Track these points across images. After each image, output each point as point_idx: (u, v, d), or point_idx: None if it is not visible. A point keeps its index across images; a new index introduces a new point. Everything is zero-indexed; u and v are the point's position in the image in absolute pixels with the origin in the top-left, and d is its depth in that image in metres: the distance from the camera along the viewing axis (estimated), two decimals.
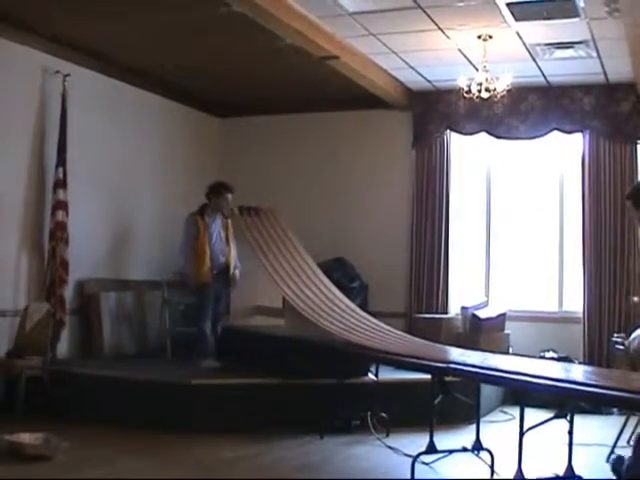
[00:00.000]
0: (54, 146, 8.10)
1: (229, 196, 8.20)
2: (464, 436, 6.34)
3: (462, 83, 8.09)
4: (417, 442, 6.04)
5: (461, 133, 9.90)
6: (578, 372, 5.49)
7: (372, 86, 9.19)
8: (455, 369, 5.46)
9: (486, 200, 10.05)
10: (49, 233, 8.03)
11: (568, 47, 7.99)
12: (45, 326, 7.49)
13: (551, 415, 5.09)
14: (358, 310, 7.85)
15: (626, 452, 5.29)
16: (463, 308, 9.27)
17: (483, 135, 9.78)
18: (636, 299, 5.38)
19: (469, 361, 5.65)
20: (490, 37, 7.72)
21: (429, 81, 9.54)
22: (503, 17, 7.20)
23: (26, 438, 5.88)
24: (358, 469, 5.93)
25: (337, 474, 5.78)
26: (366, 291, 10.02)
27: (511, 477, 4.94)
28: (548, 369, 5.30)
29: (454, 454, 5.87)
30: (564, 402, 5.17)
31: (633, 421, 6.05)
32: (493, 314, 9.14)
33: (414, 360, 5.96)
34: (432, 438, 5.70)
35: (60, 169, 8.05)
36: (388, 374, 7.30)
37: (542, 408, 6.35)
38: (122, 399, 7.09)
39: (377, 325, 7.46)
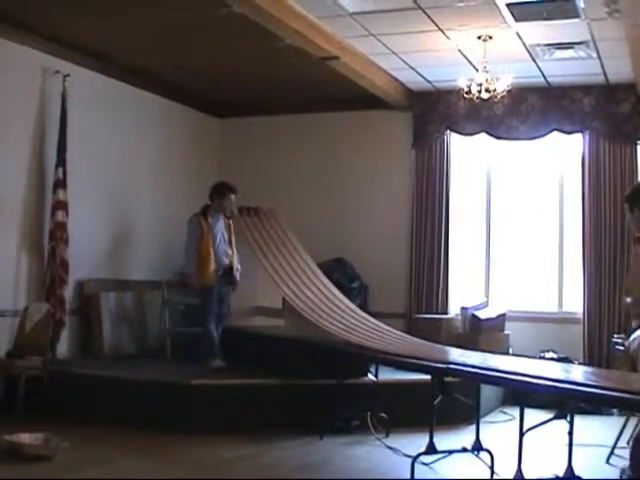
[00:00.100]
0: (54, 146, 8.10)
1: (232, 197, 8.12)
2: (464, 436, 6.34)
3: (462, 84, 8.09)
4: (417, 442, 6.04)
5: (461, 134, 9.90)
6: (578, 373, 5.48)
7: (372, 86, 9.20)
8: (455, 369, 5.46)
9: (486, 201, 10.05)
10: (49, 233, 8.03)
11: (568, 48, 7.99)
12: (45, 326, 7.49)
13: (551, 416, 5.09)
14: (358, 310, 7.86)
15: (626, 453, 5.29)
16: (463, 308, 9.27)
17: (483, 135, 9.78)
18: (629, 300, 5.39)
19: (469, 361, 5.65)
20: (490, 38, 7.72)
21: (429, 82, 9.54)
22: (503, 17, 7.20)
23: (26, 438, 5.88)
24: (358, 469, 5.93)
25: (337, 474, 5.78)
26: (366, 291, 10.02)
27: (511, 478, 4.94)
28: (548, 370, 5.30)
29: (454, 454, 5.87)
30: (564, 403, 5.16)
31: (633, 422, 6.05)
32: (493, 314, 9.14)
33: (414, 360, 5.96)
34: (432, 438, 5.70)
35: (60, 169, 8.05)
36: (388, 374, 7.30)
37: (542, 409, 6.37)
38: (122, 399, 7.09)
39: (377, 325, 7.46)
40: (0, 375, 7.24)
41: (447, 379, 5.66)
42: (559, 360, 8.13)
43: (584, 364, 8.55)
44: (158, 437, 6.54)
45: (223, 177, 8.79)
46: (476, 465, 5.76)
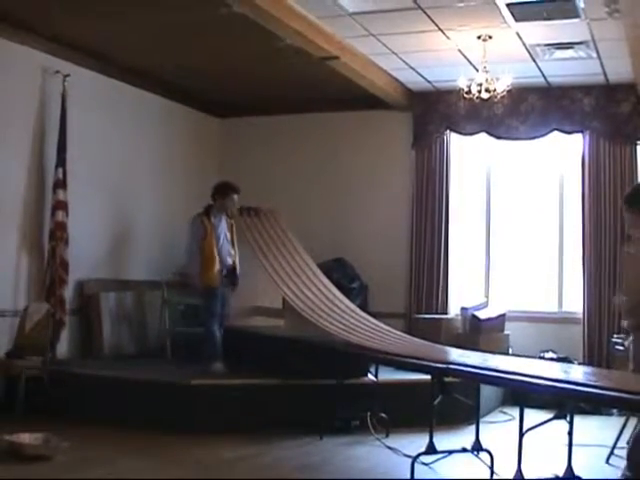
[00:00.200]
0: (54, 146, 8.10)
1: (235, 197, 8.02)
2: (464, 437, 6.35)
3: (462, 84, 8.09)
4: (417, 442, 6.04)
5: (461, 133, 9.90)
6: (578, 373, 5.49)
7: (372, 86, 9.20)
8: (455, 370, 5.46)
9: (486, 201, 10.06)
10: (49, 233, 8.03)
11: (568, 48, 7.99)
12: (45, 326, 7.49)
13: (551, 416, 5.09)
14: (358, 310, 7.86)
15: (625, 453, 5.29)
16: (463, 309, 9.27)
17: (483, 135, 9.78)
18: (617, 300, 5.41)
19: (469, 362, 5.65)
20: (490, 37, 7.72)
21: (429, 82, 9.54)
22: (503, 17, 7.20)
23: (26, 438, 5.88)
24: (358, 469, 5.93)
25: (337, 474, 5.78)
26: (366, 291, 10.02)
27: (511, 478, 4.94)
28: (548, 370, 5.30)
29: (454, 455, 5.87)
30: (564, 403, 5.17)
31: (633, 422, 6.05)
32: (493, 315, 9.14)
33: (414, 361, 5.96)
34: (432, 439, 5.71)
35: (60, 169, 8.05)
36: (388, 375, 7.30)
37: (542, 409, 6.37)
38: (122, 399, 7.09)
39: (377, 325, 7.46)
40: (0, 375, 7.24)
41: (447, 379, 5.66)
42: (559, 360, 8.13)
43: (584, 364, 8.56)
44: (158, 437, 6.54)
45: (223, 177, 8.76)
46: (476, 465, 5.76)
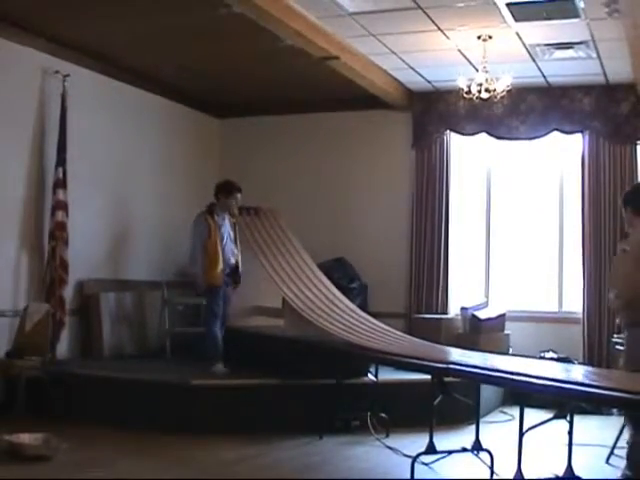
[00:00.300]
0: (54, 146, 8.10)
1: (238, 196, 8.02)
2: (464, 436, 6.34)
3: (462, 84, 8.09)
4: (417, 442, 6.04)
5: (461, 134, 9.90)
6: (578, 372, 5.48)
7: (372, 86, 9.20)
8: (455, 370, 5.45)
9: (486, 201, 10.05)
10: (49, 233, 8.03)
11: (568, 48, 7.99)
12: (45, 326, 7.49)
13: (551, 415, 5.10)
14: (358, 310, 7.86)
15: (625, 453, 5.30)
16: (463, 308, 9.27)
17: (483, 136, 9.78)
18: (612, 295, 5.42)
19: (469, 362, 5.65)
20: (490, 37, 7.72)
21: (429, 81, 9.54)
22: (503, 17, 7.20)
23: (26, 438, 5.89)
24: (358, 469, 5.92)
25: (337, 474, 5.78)
26: (366, 291, 10.02)
27: (511, 477, 4.94)
28: (548, 369, 5.30)
29: (454, 454, 5.87)
30: (564, 402, 5.17)
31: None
32: (493, 314, 9.15)
33: (414, 361, 5.96)
34: (432, 438, 5.70)
35: (60, 169, 8.05)
36: (388, 375, 7.30)
37: (542, 408, 6.37)
38: (122, 399, 7.09)
39: (377, 325, 7.46)
40: (0, 375, 7.24)
41: (447, 379, 5.66)
42: (559, 360, 8.12)
43: (584, 364, 8.55)
44: (158, 437, 6.55)
45: (223, 177, 8.74)
46: (476, 465, 5.76)
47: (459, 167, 10.10)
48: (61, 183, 8.05)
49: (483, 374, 5.25)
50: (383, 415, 6.92)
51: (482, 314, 9.03)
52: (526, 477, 4.88)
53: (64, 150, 8.09)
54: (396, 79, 9.46)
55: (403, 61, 8.71)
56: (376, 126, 10.35)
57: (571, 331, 9.26)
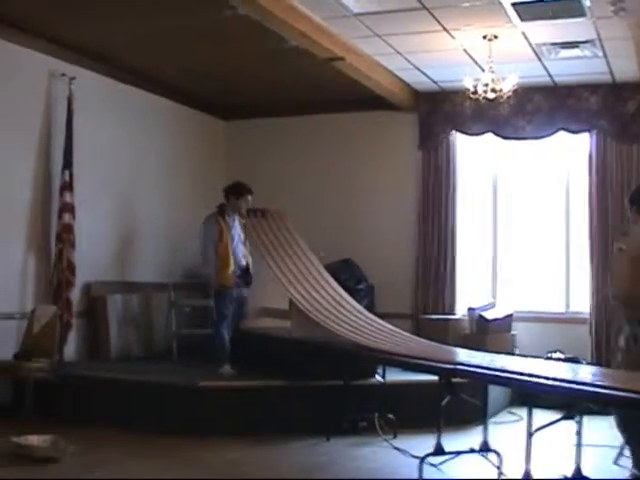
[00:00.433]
0: (60, 149, 8.12)
1: (249, 197, 8.04)
2: (472, 437, 6.33)
3: (468, 84, 8.07)
4: (424, 443, 6.02)
5: (467, 134, 9.89)
6: (586, 373, 5.47)
7: (378, 87, 9.19)
8: (462, 370, 5.45)
9: (492, 201, 10.04)
10: (56, 236, 8.04)
11: (574, 47, 7.97)
12: (52, 329, 7.49)
13: (559, 416, 5.07)
14: (365, 311, 7.84)
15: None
16: (470, 309, 9.26)
17: (489, 136, 9.76)
18: (611, 293, 5.44)
19: (476, 362, 5.64)
20: (495, 37, 7.70)
21: (435, 82, 9.53)
22: (508, 17, 7.19)
23: (34, 440, 5.91)
24: (365, 470, 5.92)
25: (344, 475, 5.79)
26: (373, 292, 10.00)
27: (519, 478, 4.93)
28: (556, 370, 5.29)
29: (462, 455, 5.86)
30: (572, 403, 5.15)
31: None
32: (500, 315, 9.14)
33: (421, 361, 5.95)
34: (439, 439, 5.69)
35: (66, 172, 8.06)
36: (395, 375, 7.28)
37: (550, 409, 6.32)
38: (129, 401, 7.10)
39: (384, 326, 7.45)
40: (8, 378, 7.25)
41: (454, 380, 5.65)
42: (566, 360, 8.10)
43: (591, 364, 8.53)
44: (165, 439, 6.55)
45: (229, 179, 8.76)
46: (484, 466, 5.74)
47: (465, 167, 10.08)
48: (68, 185, 8.06)
49: (491, 375, 5.25)
50: (391, 416, 6.91)
51: (489, 314, 9.02)
52: (534, 478, 4.87)
53: (70, 153, 8.10)
54: (402, 80, 9.45)
55: (409, 61, 8.70)
56: (382, 127, 10.34)
57: (578, 331, 9.24)
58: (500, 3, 6.87)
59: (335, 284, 8.15)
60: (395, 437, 6.79)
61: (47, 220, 8.12)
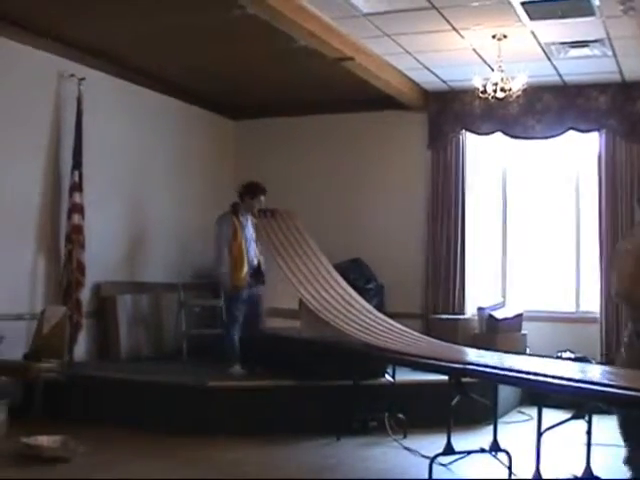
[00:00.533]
0: (70, 149, 8.13)
1: (262, 198, 8.02)
2: (482, 437, 6.32)
3: (477, 83, 8.06)
4: (434, 443, 6.02)
5: (477, 133, 9.88)
6: (596, 372, 5.46)
7: (387, 87, 9.18)
8: (472, 370, 5.44)
9: (502, 200, 10.03)
10: (65, 236, 8.05)
11: (583, 46, 7.96)
12: (62, 329, 7.51)
13: (569, 416, 5.07)
14: (374, 311, 7.84)
15: None
16: (480, 309, 9.25)
17: (499, 135, 9.75)
18: (613, 291, 5.46)
19: (486, 362, 5.63)
20: (505, 37, 7.69)
21: (444, 81, 9.52)
22: (518, 16, 7.17)
23: (44, 441, 5.92)
24: (375, 470, 5.92)
25: (354, 475, 5.78)
26: (382, 292, 10.00)
27: (529, 478, 4.92)
28: (565, 369, 5.28)
29: (472, 455, 5.86)
30: (582, 402, 5.14)
31: None
32: (510, 314, 9.11)
33: (431, 361, 5.94)
34: (449, 439, 5.70)
35: (76, 172, 8.08)
36: (405, 375, 7.28)
37: (560, 409, 6.32)
38: (139, 402, 7.10)
39: (393, 326, 7.44)
40: (18, 378, 7.25)
41: (464, 380, 5.65)
42: (576, 360, 8.08)
43: (601, 364, 8.51)
44: (174, 439, 6.55)
45: (239, 179, 8.75)
46: (494, 466, 5.73)
47: (475, 167, 10.07)
48: (77, 186, 8.08)
49: (500, 374, 5.24)
50: (401, 416, 6.90)
51: (499, 314, 9.00)
52: (544, 477, 4.86)
53: (80, 153, 8.12)
54: (411, 79, 9.45)
55: (418, 61, 8.69)
56: (391, 127, 10.33)
57: (588, 331, 9.22)
58: (509, 2, 6.86)
59: (345, 284, 8.14)
60: (405, 437, 6.78)
61: (57, 221, 8.14)
